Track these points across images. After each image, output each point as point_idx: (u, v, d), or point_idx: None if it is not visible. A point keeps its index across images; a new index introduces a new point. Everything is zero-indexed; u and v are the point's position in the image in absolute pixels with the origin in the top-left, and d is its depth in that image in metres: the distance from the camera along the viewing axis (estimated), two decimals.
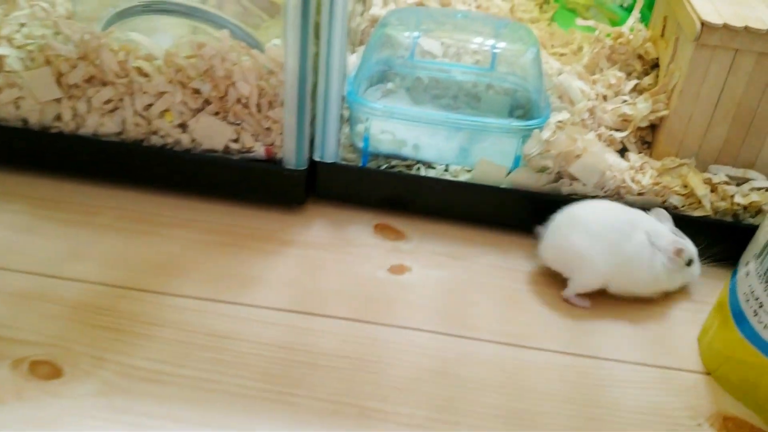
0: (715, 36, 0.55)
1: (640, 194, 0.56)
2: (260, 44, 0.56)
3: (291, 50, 0.52)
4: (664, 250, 0.51)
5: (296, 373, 0.46)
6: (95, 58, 0.55)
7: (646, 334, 0.52)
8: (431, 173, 0.60)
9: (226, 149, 0.57)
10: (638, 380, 0.48)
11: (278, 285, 0.52)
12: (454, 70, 0.65)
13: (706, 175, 0.58)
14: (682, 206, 0.57)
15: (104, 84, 0.56)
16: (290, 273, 0.53)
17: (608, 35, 0.68)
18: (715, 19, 0.55)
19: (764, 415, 0.45)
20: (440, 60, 0.65)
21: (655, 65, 0.66)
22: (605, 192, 0.56)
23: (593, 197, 0.57)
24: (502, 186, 0.57)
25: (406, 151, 0.61)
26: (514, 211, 0.58)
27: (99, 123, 0.57)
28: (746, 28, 0.54)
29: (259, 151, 0.57)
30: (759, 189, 0.58)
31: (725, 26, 0.55)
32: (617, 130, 0.61)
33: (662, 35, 0.65)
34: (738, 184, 0.59)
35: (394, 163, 0.60)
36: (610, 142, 0.60)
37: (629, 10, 0.69)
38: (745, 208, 0.57)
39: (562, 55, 0.73)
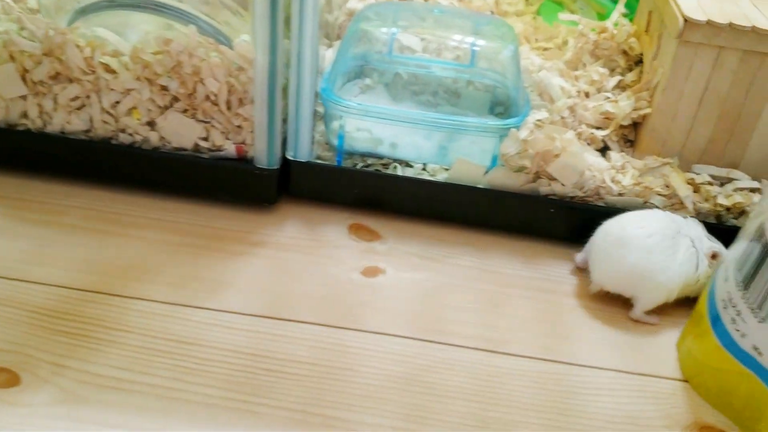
0: (698, 33, 0.53)
1: (620, 195, 0.55)
2: (230, 40, 0.54)
3: (260, 45, 0.50)
4: (705, 253, 0.50)
5: (261, 381, 0.44)
6: (60, 54, 0.54)
7: (625, 340, 0.50)
8: (408, 172, 0.58)
9: (196, 147, 0.56)
10: (614, 388, 0.47)
11: (247, 289, 0.51)
12: (433, 66, 0.64)
13: (689, 175, 0.57)
14: (664, 207, 0.55)
15: (70, 81, 0.55)
16: (260, 276, 0.52)
17: (592, 30, 0.66)
18: (698, 15, 0.53)
19: (741, 423, 0.44)
20: (419, 55, 0.64)
21: (639, 61, 0.64)
22: (584, 192, 0.55)
23: (572, 198, 0.55)
24: (480, 186, 0.56)
25: (383, 150, 0.59)
26: (492, 212, 0.57)
27: (66, 120, 0.56)
28: (730, 25, 0.53)
29: (230, 149, 0.55)
30: (743, 190, 0.56)
31: (709, 23, 0.53)
32: (599, 128, 0.60)
33: (647, 30, 0.63)
34: (722, 184, 0.57)
35: (370, 161, 0.59)
36: (592, 141, 0.59)
37: (617, 2, 0.67)
38: (728, 209, 0.55)
39: (546, 49, 0.71)
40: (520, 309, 0.52)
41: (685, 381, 0.48)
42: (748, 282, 0.42)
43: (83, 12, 0.54)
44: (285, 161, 0.56)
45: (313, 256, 0.54)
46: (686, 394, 0.47)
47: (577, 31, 0.67)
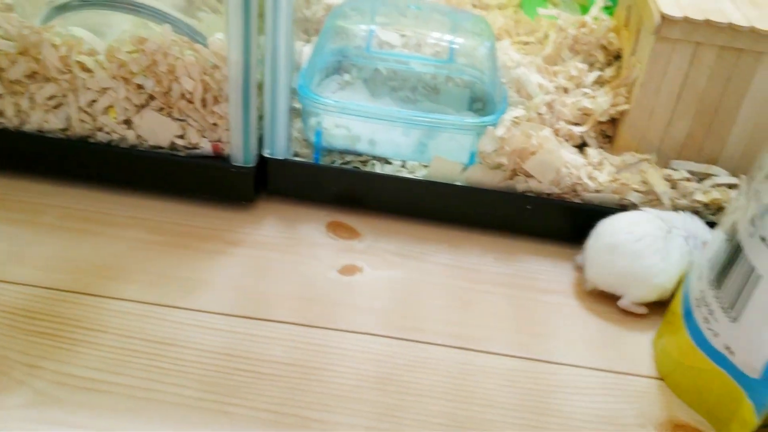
0: (675, 29, 0.53)
1: (597, 191, 0.55)
2: (205, 38, 0.54)
3: (234, 43, 0.50)
4: (701, 245, 0.51)
5: (236, 381, 0.44)
6: (36, 53, 0.53)
7: (601, 337, 0.50)
8: (387, 169, 0.58)
9: (172, 146, 0.55)
10: (590, 386, 0.47)
11: (224, 288, 0.51)
12: (412, 62, 0.63)
13: (667, 171, 0.57)
14: (642, 203, 0.55)
15: (47, 80, 0.54)
16: (237, 275, 0.52)
17: (572, 25, 0.66)
18: (675, 11, 0.53)
19: (714, 421, 0.45)
20: (398, 51, 0.63)
21: (618, 56, 0.64)
22: (561, 189, 0.55)
23: (548, 194, 0.55)
24: (458, 183, 0.56)
25: (362, 147, 0.59)
26: (470, 209, 0.57)
27: (43, 119, 0.55)
28: (707, 21, 0.53)
29: (206, 147, 0.55)
30: (721, 185, 0.56)
31: (685, 19, 0.53)
32: (577, 124, 0.60)
33: (626, 25, 0.63)
34: (700, 180, 0.57)
35: (348, 158, 0.59)
36: (570, 137, 0.59)
37: None
38: (706, 205, 0.56)
39: (527, 43, 0.71)
40: (496, 306, 0.52)
41: (661, 379, 0.48)
42: (720, 281, 0.42)
43: (59, 10, 0.54)
44: (262, 159, 0.56)
45: (290, 254, 0.54)
46: (661, 391, 0.47)
47: (556, 25, 0.67)
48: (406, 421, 0.43)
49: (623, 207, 0.55)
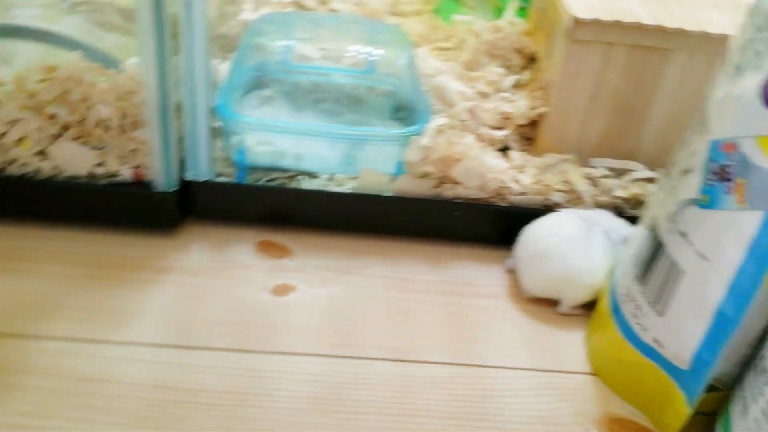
0: (586, 31, 0.55)
1: (521, 194, 0.56)
2: (118, 63, 0.52)
3: (148, 66, 0.49)
4: (622, 240, 0.52)
5: (172, 414, 0.43)
6: None
7: (535, 337, 0.51)
8: (315, 184, 0.58)
9: (91, 174, 0.54)
10: (525, 387, 0.48)
11: (154, 318, 0.49)
12: (333, 74, 0.63)
13: (588, 169, 0.58)
14: (565, 203, 0.56)
15: None
16: (167, 303, 0.50)
17: (488, 30, 0.67)
18: (585, 13, 0.55)
19: (649, 413, 0.46)
20: (318, 63, 0.63)
21: (533, 59, 0.65)
22: (487, 194, 0.56)
23: (476, 200, 0.56)
24: (387, 194, 0.56)
25: (287, 162, 0.58)
26: (400, 219, 0.57)
27: None
28: (616, 22, 0.54)
29: (126, 174, 0.54)
30: (639, 180, 0.58)
31: (596, 21, 0.54)
32: (499, 128, 0.61)
33: (539, 28, 0.65)
34: (619, 176, 0.59)
35: (274, 175, 0.58)
36: (492, 142, 0.60)
37: None
38: (626, 200, 0.57)
39: (445, 49, 0.72)
40: (432, 315, 0.52)
41: (595, 375, 0.49)
42: (644, 276, 0.43)
43: None
44: (185, 182, 0.55)
45: (220, 278, 0.53)
46: (596, 387, 0.48)
47: (473, 31, 0.68)
48: None
49: (547, 207, 0.56)
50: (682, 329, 0.41)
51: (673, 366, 0.43)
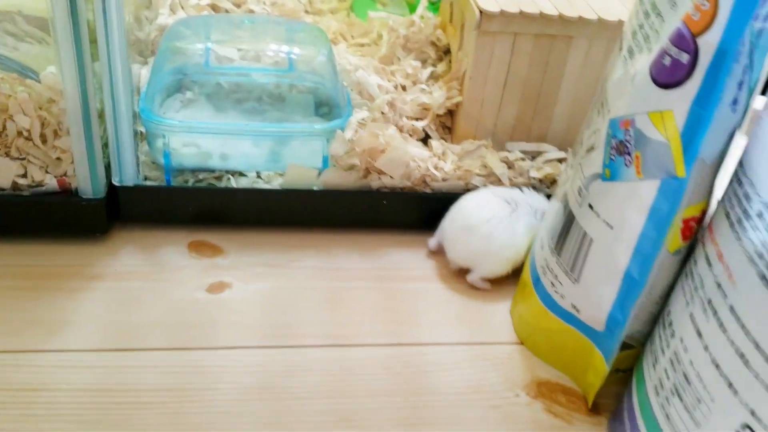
0: (494, 23, 0.58)
1: (444, 180, 0.59)
2: (36, 73, 0.52)
3: (67, 74, 0.49)
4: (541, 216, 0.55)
5: (116, 416, 0.44)
6: None
7: (464, 313, 0.54)
8: (243, 182, 0.59)
9: (15, 186, 0.53)
10: (458, 360, 0.50)
11: (90, 324, 0.49)
12: (253, 74, 0.64)
13: (503, 153, 0.61)
14: (485, 186, 0.59)
15: None
16: (102, 309, 0.51)
17: (402, 25, 0.69)
18: (492, 6, 0.57)
19: (572, 374, 0.49)
20: (238, 64, 0.64)
21: (447, 51, 0.68)
22: (412, 182, 0.58)
23: (402, 188, 0.58)
24: (315, 188, 0.58)
25: (214, 163, 0.59)
26: (330, 212, 0.59)
27: None
28: (521, 13, 0.57)
29: (52, 183, 0.53)
30: (552, 161, 0.62)
31: (502, 12, 0.57)
32: (418, 119, 0.63)
33: (450, 21, 0.67)
34: (533, 158, 0.62)
35: (201, 176, 0.59)
36: (413, 132, 0.62)
37: None
38: (540, 180, 0.61)
39: (362, 45, 0.74)
40: (366, 300, 0.54)
41: (521, 343, 0.52)
42: (559, 248, 0.47)
43: None
44: (112, 188, 0.55)
45: (154, 281, 0.53)
46: (522, 355, 0.51)
47: (389, 26, 0.70)
48: (293, 424, 0.44)
49: (469, 191, 0.58)
50: (596, 294, 0.44)
51: (590, 329, 0.46)
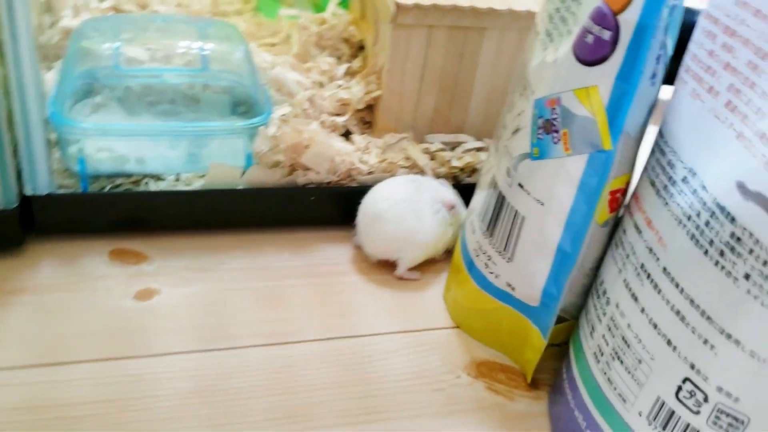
0: (409, 16, 0.59)
1: (369, 173, 0.59)
2: None
3: None
4: (444, 205, 0.56)
5: None
6: None
7: (399, 303, 0.54)
8: (161, 186, 0.57)
9: None
10: (397, 348, 0.51)
11: (13, 341, 0.47)
12: (165, 75, 0.63)
13: (424, 145, 0.63)
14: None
15: None
16: (24, 324, 0.48)
17: (314, 22, 0.69)
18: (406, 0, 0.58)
19: (510, 352, 0.51)
20: (148, 65, 0.62)
21: (361, 47, 0.69)
22: (338, 176, 0.58)
23: (328, 183, 0.58)
24: (239, 187, 0.57)
25: (130, 167, 0.57)
26: (257, 211, 0.58)
27: None
28: (434, 6, 0.59)
29: None
30: (470, 150, 0.63)
31: (416, 5, 0.58)
32: (338, 114, 0.63)
33: (363, 17, 0.68)
34: (453, 149, 0.64)
35: (119, 181, 0.57)
36: (334, 128, 0.62)
37: None
38: (461, 169, 0.62)
39: (272, 45, 0.73)
40: (300, 297, 0.54)
41: (457, 327, 0.53)
42: (491, 229, 0.48)
43: None
44: (24, 198, 0.52)
45: (77, 291, 0.51)
46: (459, 338, 0.52)
47: (298, 24, 0.70)
48: (238, 425, 0.44)
49: None
50: (529, 270, 0.46)
51: (526, 305, 0.47)
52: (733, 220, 0.33)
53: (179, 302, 0.52)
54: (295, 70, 0.65)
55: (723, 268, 0.33)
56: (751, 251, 0.32)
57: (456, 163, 0.62)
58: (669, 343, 0.36)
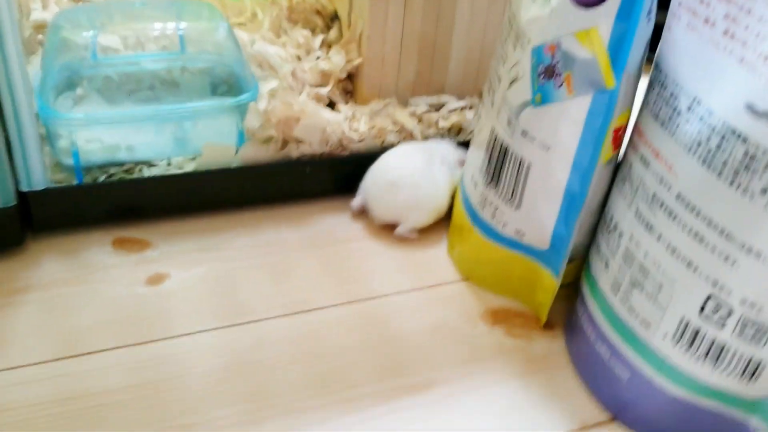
0: None
1: (360, 141, 0.60)
2: None
3: None
4: (456, 163, 0.58)
5: (87, 422, 0.41)
6: None
7: (407, 263, 0.55)
8: (155, 171, 0.57)
9: None
10: (413, 305, 0.52)
11: (31, 337, 0.46)
12: (143, 61, 0.62)
13: (410, 109, 0.63)
14: (400, 141, 0.61)
15: None
16: (37, 321, 0.47)
17: None
18: None
19: (521, 298, 0.52)
20: (125, 53, 0.61)
21: (333, 17, 0.69)
22: (330, 147, 0.59)
23: (321, 154, 0.59)
24: (234, 166, 0.57)
25: (121, 156, 0.57)
26: (254, 187, 0.58)
27: None
28: None
29: None
30: (455, 110, 0.64)
31: None
32: (320, 86, 0.64)
33: None
34: (437, 110, 0.65)
35: (112, 171, 0.56)
36: (318, 99, 0.63)
37: None
38: (449, 129, 0.63)
39: (241, 24, 0.73)
40: (308, 268, 0.54)
41: (466, 280, 0.54)
42: (497, 181, 0.49)
43: None
44: (20, 195, 0.51)
45: (86, 284, 0.51)
46: (470, 290, 0.54)
47: (265, 2, 0.69)
48: (273, 393, 0.44)
49: (385, 149, 0.60)
50: (538, 214, 0.47)
51: (535, 249, 0.49)
52: (744, 140, 0.35)
53: (191, 283, 0.52)
54: (273, 44, 0.65)
55: (738, 186, 0.35)
56: (766, 167, 0.34)
57: (443, 124, 0.63)
58: (689, 264, 0.38)
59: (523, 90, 0.46)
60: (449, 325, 0.50)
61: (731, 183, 0.36)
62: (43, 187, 0.52)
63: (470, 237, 0.53)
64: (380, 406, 0.44)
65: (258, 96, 0.57)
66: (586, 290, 0.47)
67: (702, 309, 0.38)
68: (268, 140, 0.57)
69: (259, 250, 0.55)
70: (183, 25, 0.61)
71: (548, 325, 0.51)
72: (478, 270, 0.54)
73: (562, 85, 0.43)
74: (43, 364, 0.44)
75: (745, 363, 0.38)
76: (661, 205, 0.40)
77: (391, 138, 0.61)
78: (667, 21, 0.41)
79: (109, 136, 0.56)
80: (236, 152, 0.57)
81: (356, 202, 0.59)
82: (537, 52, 0.44)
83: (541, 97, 0.44)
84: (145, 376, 0.44)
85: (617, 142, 0.44)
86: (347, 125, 0.60)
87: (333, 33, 0.67)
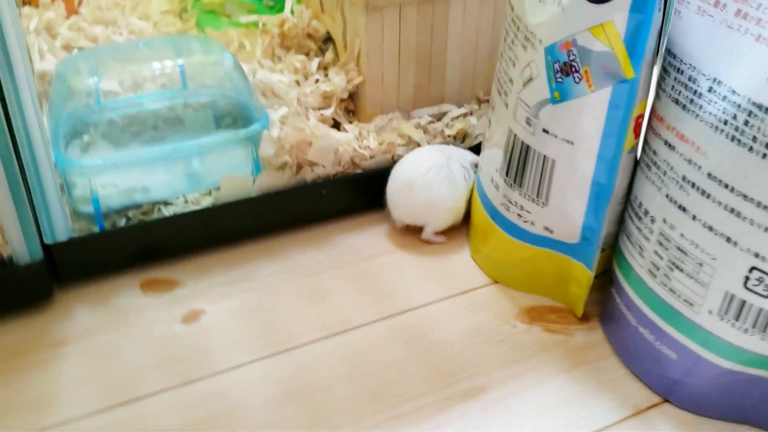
0: None
1: (372, 157, 0.60)
2: None
3: None
4: (470, 166, 0.58)
5: None
6: None
7: (435, 272, 0.56)
8: (172, 210, 0.57)
9: None
10: (448, 313, 0.52)
11: (76, 389, 0.46)
12: (145, 101, 0.62)
13: (414, 121, 0.64)
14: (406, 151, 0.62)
15: None
16: (80, 372, 0.47)
17: (275, 24, 0.69)
18: None
19: (554, 294, 0.53)
20: (125, 96, 0.61)
21: (327, 39, 0.69)
22: (344, 166, 0.59)
23: (335, 175, 0.59)
24: (253, 195, 0.57)
25: (138, 197, 0.57)
26: (274, 214, 0.58)
27: None
28: None
29: None
30: (457, 117, 0.65)
31: None
32: (322, 108, 0.64)
33: (322, 10, 0.69)
34: (439, 119, 0.66)
35: (130, 214, 0.56)
36: (323, 121, 0.63)
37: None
38: (454, 137, 0.64)
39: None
40: (340, 287, 0.54)
41: (495, 282, 0.55)
42: (520, 181, 0.50)
43: None
44: (45, 248, 0.51)
45: (122, 329, 0.50)
46: (501, 291, 0.54)
47: (246, 32, 0.70)
48: (332, 413, 0.44)
49: (395, 162, 0.61)
50: (567, 209, 0.48)
51: (565, 244, 0.50)
52: None
53: (227, 316, 0.52)
54: (273, 72, 0.65)
55: None
56: None
57: (448, 132, 0.64)
58: (728, 240, 0.39)
59: (540, 89, 0.47)
60: (487, 328, 0.51)
61: (763, 156, 0.37)
62: (66, 238, 0.51)
63: (495, 238, 0.54)
64: (438, 416, 0.44)
65: (269, 124, 0.57)
66: (620, 278, 0.48)
67: (746, 281, 0.39)
68: (282, 166, 0.57)
69: (288, 275, 0.55)
70: (181, 61, 0.61)
71: (584, 318, 0.52)
72: (506, 270, 0.54)
73: (581, 80, 0.44)
74: (98, 415, 0.44)
75: None
76: (693, 185, 0.41)
77: (400, 151, 0.61)
78: (675, 7, 0.42)
79: (124, 179, 0.56)
80: (254, 182, 0.57)
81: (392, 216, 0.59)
82: (551, 51, 0.45)
83: (560, 94, 0.45)
84: (201, 414, 0.44)
85: (638, 129, 0.45)
86: (358, 143, 0.60)
87: (329, 55, 0.68)
